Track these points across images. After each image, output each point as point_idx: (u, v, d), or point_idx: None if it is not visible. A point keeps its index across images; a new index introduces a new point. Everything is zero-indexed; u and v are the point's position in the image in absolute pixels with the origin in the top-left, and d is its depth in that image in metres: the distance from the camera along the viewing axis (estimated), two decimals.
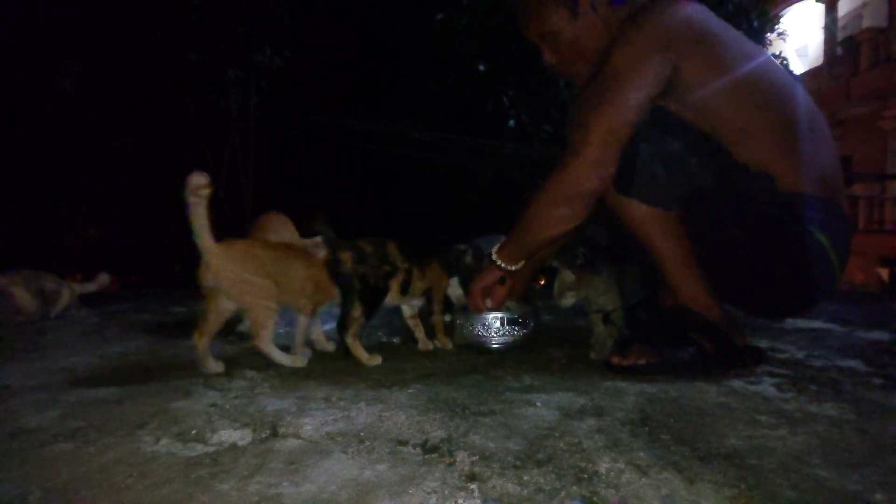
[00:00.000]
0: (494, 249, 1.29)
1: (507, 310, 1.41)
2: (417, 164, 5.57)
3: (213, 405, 0.97)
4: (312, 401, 0.99)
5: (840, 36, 10.91)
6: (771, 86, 1.15)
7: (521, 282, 1.42)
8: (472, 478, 0.69)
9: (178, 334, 1.65)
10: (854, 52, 9.98)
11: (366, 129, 5.24)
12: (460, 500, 0.63)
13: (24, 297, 1.85)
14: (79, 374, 1.22)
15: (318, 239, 1.36)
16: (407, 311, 1.47)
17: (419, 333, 1.46)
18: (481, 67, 4.97)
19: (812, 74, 10.86)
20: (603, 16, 1.19)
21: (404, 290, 1.36)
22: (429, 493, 0.65)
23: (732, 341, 1.20)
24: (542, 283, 1.32)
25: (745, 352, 1.24)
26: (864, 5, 10.91)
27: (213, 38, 4.62)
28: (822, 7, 11.17)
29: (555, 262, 1.48)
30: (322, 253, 1.34)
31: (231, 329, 1.57)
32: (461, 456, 0.74)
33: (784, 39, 7.13)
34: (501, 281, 1.34)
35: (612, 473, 0.70)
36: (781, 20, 7.98)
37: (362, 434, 0.83)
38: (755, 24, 5.32)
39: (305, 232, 1.49)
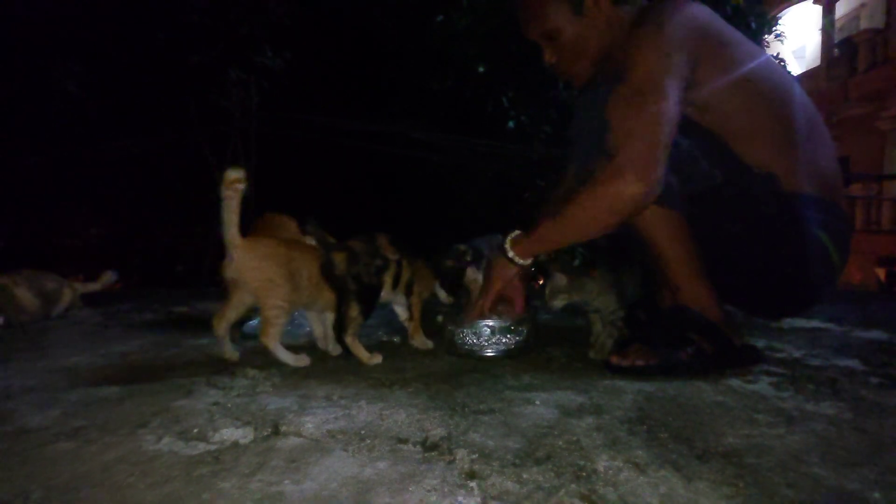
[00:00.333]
0: (507, 243, 1.23)
1: (498, 316, 1.32)
2: (417, 165, 5.58)
3: (215, 404, 0.97)
4: (314, 399, 1.00)
5: (837, 37, 10.92)
6: (773, 87, 1.16)
7: (525, 281, 1.41)
8: (471, 476, 0.69)
9: (180, 334, 1.66)
10: (851, 54, 9.99)
11: (366, 130, 5.25)
12: (460, 498, 0.64)
13: (25, 296, 1.85)
14: (80, 373, 1.22)
15: (311, 240, 1.37)
16: (402, 313, 1.47)
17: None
18: (481, 68, 4.99)
19: (810, 76, 10.87)
20: (606, 14, 1.18)
21: (396, 283, 1.36)
22: (429, 491, 0.65)
23: (731, 341, 1.21)
24: (542, 282, 1.30)
25: (743, 351, 1.24)
26: (861, 7, 10.93)
27: (214, 39, 4.63)
28: (819, 8, 11.19)
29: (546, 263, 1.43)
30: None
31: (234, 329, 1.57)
32: (461, 454, 0.75)
33: (782, 41, 7.14)
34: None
35: (611, 471, 0.70)
36: (779, 22, 8.00)
37: (363, 432, 0.83)
38: (753, 25, 5.34)
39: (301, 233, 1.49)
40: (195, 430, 0.84)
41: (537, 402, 0.98)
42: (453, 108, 5.50)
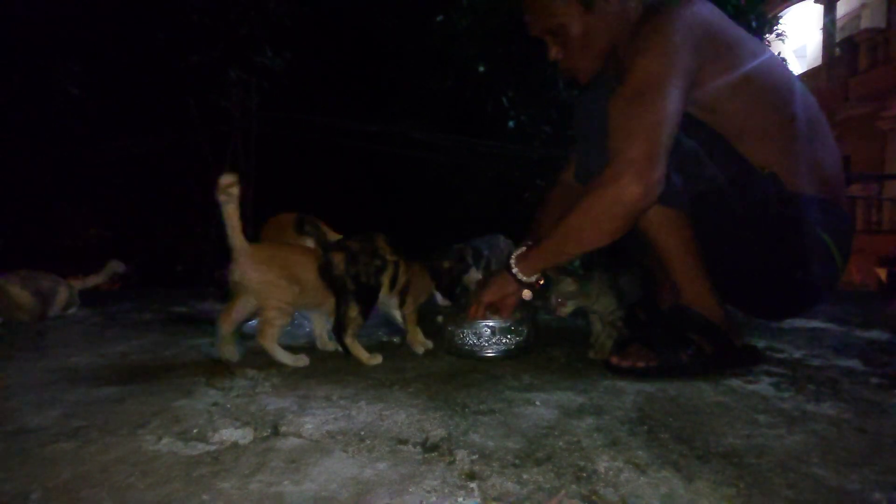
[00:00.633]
0: (513, 260, 1.23)
1: (497, 316, 1.32)
2: (418, 165, 5.59)
3: (215, 404, 0.97)
4: (313, 400, 1.00)
5: (838, 37, 10.92)
6: (776, 86, 1.15)
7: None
8: (471, 476, 0.69)
9: (180, 334, 1.66)
10: (852, 53, 9.99)
11: (366, 130, 5.25)
12: (460, 499, 0.64)
13: (22, 295, 1.85)
14: (80, 373, 1.22)
15: (309, 241, 1.37)
16: (396, 317, 1.47)
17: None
18: (481, 68, 4.99)
19: (810, 75, 10.87)
20: (615, 9, 1.17)
21: (393, 285, 1.36)
22: (429, 492, 0.65)
23: (731, 342, 1.21)
24: (541, 282, 1.29)
25: (743, 352, 1.24)
26: (862, 6, 10.93)
27: (215, 39, 4.64)
28: (820, 8, 11.19)
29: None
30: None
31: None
32: (461, 454, 0.75)
33: (783, 40, 7.14)
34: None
35: (611, 472, 0.70)
36: (780, 21, 8.00)
37: (363, 433, 0.83)
38: (754, 24, 5.34)
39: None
40: (195, 431, 0.84)
41: (537, 403, 0.98)
42: (453, 108, 5.51)
